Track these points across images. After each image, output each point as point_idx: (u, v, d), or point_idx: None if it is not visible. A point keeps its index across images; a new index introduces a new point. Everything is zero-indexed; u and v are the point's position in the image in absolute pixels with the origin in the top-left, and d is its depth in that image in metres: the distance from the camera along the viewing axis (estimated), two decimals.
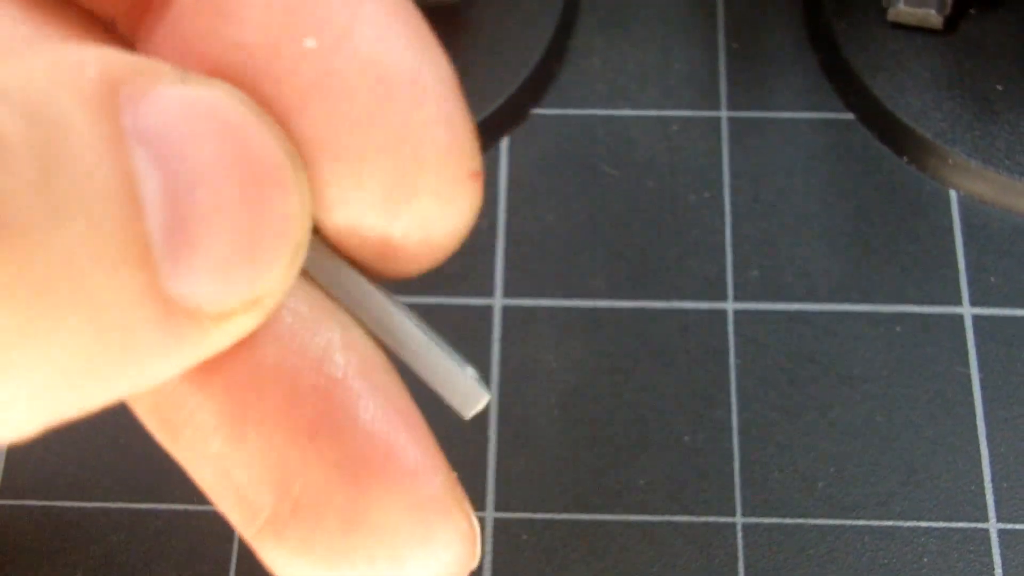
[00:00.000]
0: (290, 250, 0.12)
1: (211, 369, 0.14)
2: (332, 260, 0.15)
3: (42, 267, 0.10)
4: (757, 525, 0.34)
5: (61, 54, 0.11)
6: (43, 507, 0.34)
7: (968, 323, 0.36)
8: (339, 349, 0.14)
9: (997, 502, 0.34)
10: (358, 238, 0.14)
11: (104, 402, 0.11)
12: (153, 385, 0.12)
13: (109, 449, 0.35)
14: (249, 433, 0.14)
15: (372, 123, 0.13)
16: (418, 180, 0.14)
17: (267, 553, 0.14)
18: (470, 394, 0.15)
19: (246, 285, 0.12)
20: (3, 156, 0.10)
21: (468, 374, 0.15)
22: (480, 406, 0.15)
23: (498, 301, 0.37)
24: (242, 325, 0.12)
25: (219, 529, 0.34)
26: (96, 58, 0.12)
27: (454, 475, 0.15)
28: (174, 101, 0.12)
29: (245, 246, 0.12)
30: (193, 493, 0.19)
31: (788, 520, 0.34)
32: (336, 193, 0.13)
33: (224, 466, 0.14)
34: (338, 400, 0.14)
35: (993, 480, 0.34)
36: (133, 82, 0.12)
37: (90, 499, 0.34)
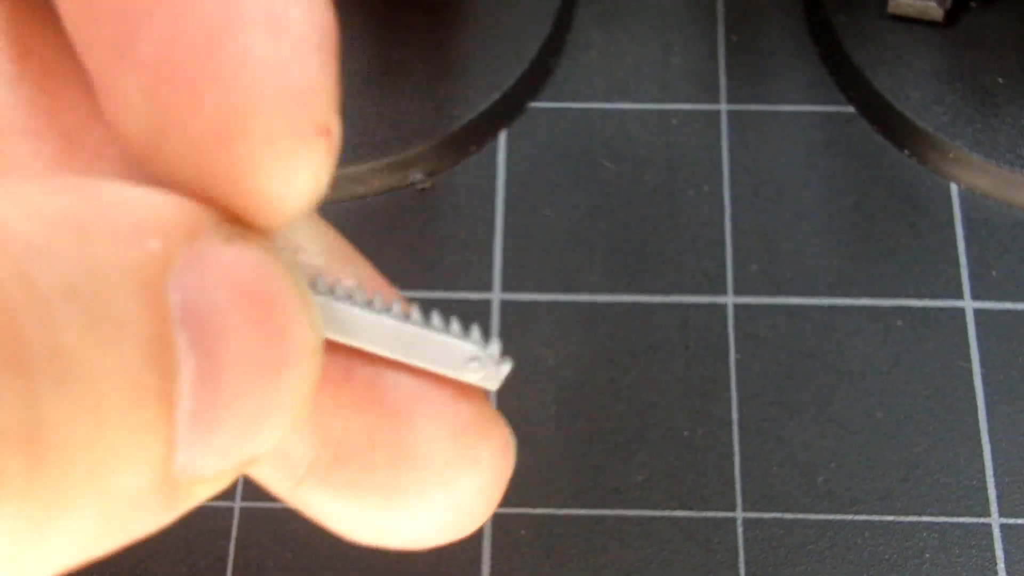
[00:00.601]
0: (291, 421, 0.12)
1: None
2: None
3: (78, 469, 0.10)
4: (757, 520, 0.34)
5: (123, 215, 0.11)
6: None
7: (969, 317, 0.36)
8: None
9: (999, 497, 0.34)
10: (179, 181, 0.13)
11: (78, 558, 0.11)
12: (130, 538, 0.12)
13: None
14: None
15: (209, 53, 0.12)
16: (248, 121, 0.12)
17: (313, 501, 0.14)
18: (486, 367, 0.15)
19: (249, 456, 0.12)
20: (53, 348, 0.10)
21: (471, 350, 0.14)
22: (503, 373, 0.15)
23: (496, 296, 0.36)
24: (227, 481, 0.12)
25: (217, 525, 0.34)
26: (156, 226, 0.11)
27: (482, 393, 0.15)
28: (219, 268, 0.12)
29: (256, 425, 0.12)
30: None
31: (788, 515, 0.34)
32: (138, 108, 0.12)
33: None
34: None
35: (995, 475, 0.34)
36: (183, 252, 0.11)
37: None
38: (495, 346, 0.14)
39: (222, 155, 0.12)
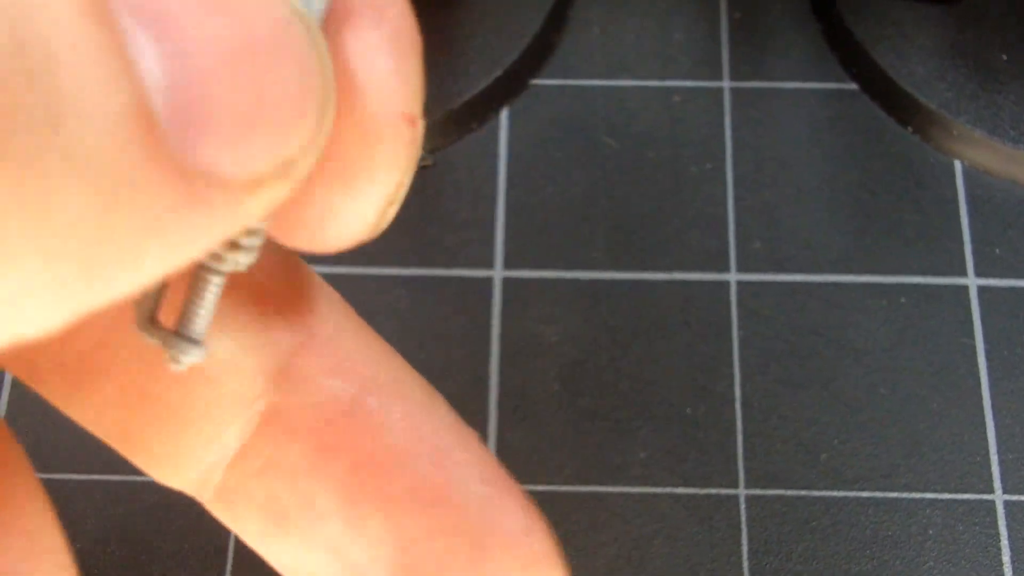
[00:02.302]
0: (316, 105, 0.12)
1: (328, 452, 0.14)
2: None
3: (24, 152, 0.10)
4: (760, 497, 0.33)
5: None
6: (40, 480, 0.34)
7: (973, 294, 0.36)
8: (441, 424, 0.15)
9: (1003, 473, 0.34)
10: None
11: (136, 282, 0.11)
12: (190, 258, 0.11)
13: None
14: (371, 514, 0.14)
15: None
16: (341, 117, 0.13)
17: None
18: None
19: (271, 147, 0.11)
20: None
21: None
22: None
23: (498, 273, 0.36)
24: (276, 191, 0.12)
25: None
26: None
27: (546, 524, 0.15)
28: None
29: (263, 106, 0.11)
30: None
31: (791, 492, 0.34)
32: None
33: (340, 546, 0.14)
34: (447, 469, 0.15)
35: (999, 451, 0.34)
36: None
37: (88, 471, 0.34)
38: None
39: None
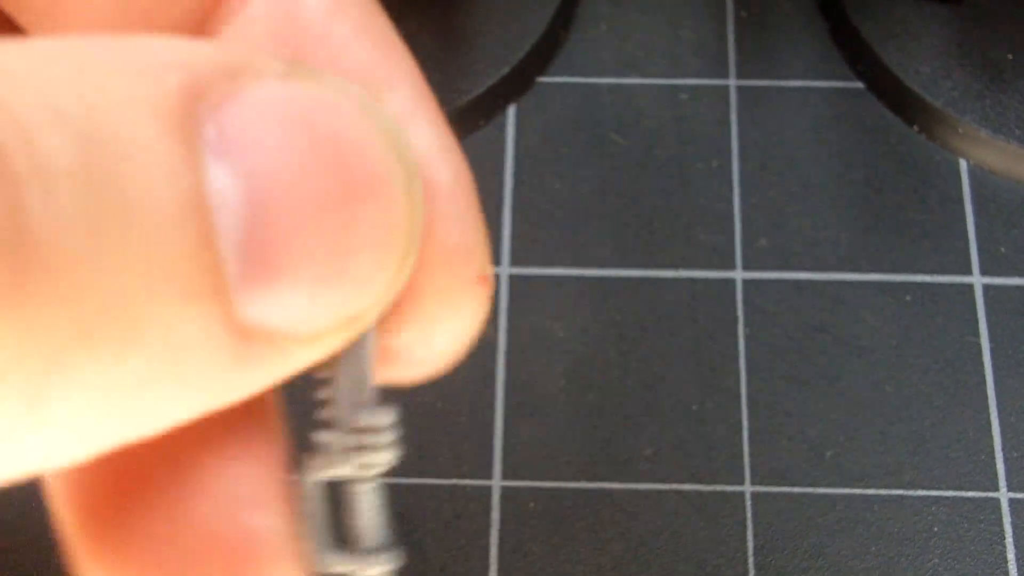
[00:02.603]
0: (393, 263, 0.11)
1: None
2: None
3: (92, 304, 0.09)
4: (766, 494, 0.34)
5: (141, 55, 0.10)
6: (36, 480, 0.34)
7: (978, 292, 0.36)
8: None
9: (1008, 471, 0.34)
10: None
11: (165, 424, 0.11)
12: (231, 402, 0.11)
13: None
14: None
15: None
16: (423, 280, 0.13)
17: None
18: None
19: (338, 306, 0.11)
20: (44, 183, 0.09)
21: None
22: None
23: (505, 270, 0.36)
24: (336, 341, 0.11)
25: None
26: (181, 63, 0.10)
27: None
28: (264, 103, 0.10)
29: (337, 263, 0.11)
30: None
31: (797, 489, 0.34)
32: None
33: None
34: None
35: (1004, 449, 0.34)
36: (221, 87, 0.10)
37: None
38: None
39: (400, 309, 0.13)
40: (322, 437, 0.13)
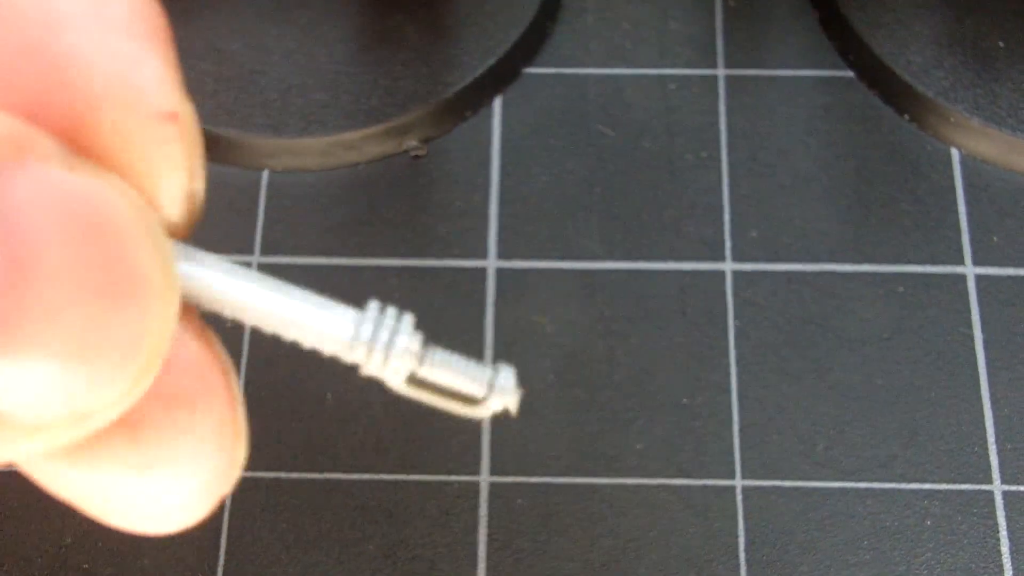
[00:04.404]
0: (135, 369, 0.11)
1: None
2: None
3: None
4: (756, 488, 0.33)
5: None
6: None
7: (971, 283, 0.36)
8: None
9: (1001, 464, 0.33)
10: None
11: None
12: None
13: None
14: None
15: (40, 58, 0.12)
16: (94, 121, 0.12)
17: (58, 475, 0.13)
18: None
19: (72, 398, 0.11)
20: None
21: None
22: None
23: (492, 263, 0.36)
24: (62, 437, 0.11)
25: None
26: None
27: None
28: (46, 183, 0.10)
29: (81, 353, 0.10)
30: None
31: (788, 483, 0.33)
32: None
33: None
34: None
35: (997, 441, 0.34)
36: (4, 155, 0.10)
37: None
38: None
39: (86, 153, 0.12)
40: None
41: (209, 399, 0.13)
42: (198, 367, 0.13)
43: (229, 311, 0.13)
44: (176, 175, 0.13)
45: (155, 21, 0.12)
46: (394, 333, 0.14)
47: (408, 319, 0.14)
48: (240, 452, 0.14)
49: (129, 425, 0.12)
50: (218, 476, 0.13)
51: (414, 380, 0.14)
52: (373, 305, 0.14)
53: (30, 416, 0.11)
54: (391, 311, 0.14)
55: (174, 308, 0.12)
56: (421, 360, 0.14)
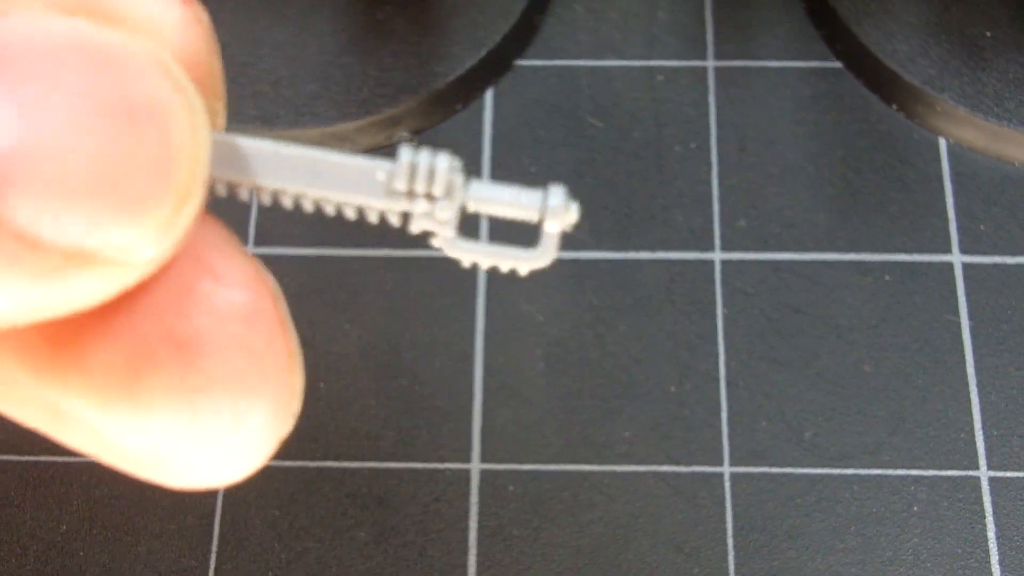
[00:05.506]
0: (172, 193, 0.11)
1: None
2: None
3: None
4: (745, 475, 0.33)
5: None
6: (24, 462, 0.34)
7: (958, 271, 0.36)
8: None
9: (988, 450, 0.34)
10: None
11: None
12: (25, 319, 0.11)
13: None
14: None
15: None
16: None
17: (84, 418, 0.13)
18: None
19: (109, 226, 0.10)
20: None
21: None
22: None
23: None
24: (109, 277, 0.11)
25: None
26: None
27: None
28: (43, 25, 0.10)
29: (97, 182, 0.10)
30: None
31: (776, 469, 0.34)
32: None
33: None
34: None
35: (983, 428, 0.34)
36: None
37: (72, 453, 0.34)
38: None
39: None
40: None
41: (261, 316, 0.13)
42: (250, 282, 0.13)
43: (265, 175, 0.13)
44: (193, 38, 0.13)
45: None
46: (434, 155, 0.13)
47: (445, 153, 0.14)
48: (297, 381, 0.13)
49: (182, 345, 0.12)
50: (278, 406, 0.13)
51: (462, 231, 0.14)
52: (405, 146, 0.14)
53: (65, 240, 0.10)
54: (425, 149, 0.14)
55: (204, 133, 0.11)
56: (467, 187, 0.13)
